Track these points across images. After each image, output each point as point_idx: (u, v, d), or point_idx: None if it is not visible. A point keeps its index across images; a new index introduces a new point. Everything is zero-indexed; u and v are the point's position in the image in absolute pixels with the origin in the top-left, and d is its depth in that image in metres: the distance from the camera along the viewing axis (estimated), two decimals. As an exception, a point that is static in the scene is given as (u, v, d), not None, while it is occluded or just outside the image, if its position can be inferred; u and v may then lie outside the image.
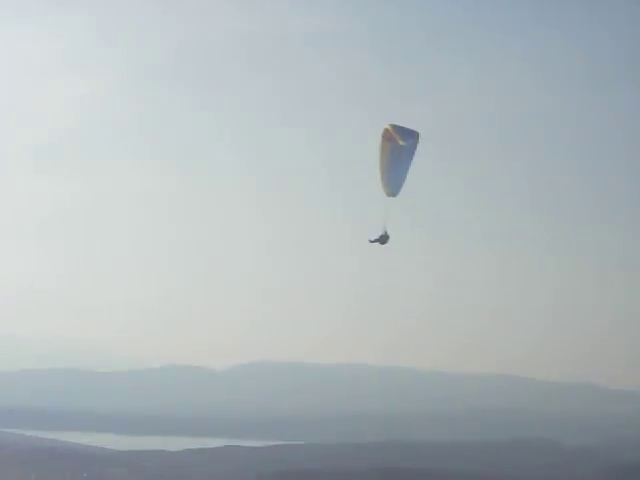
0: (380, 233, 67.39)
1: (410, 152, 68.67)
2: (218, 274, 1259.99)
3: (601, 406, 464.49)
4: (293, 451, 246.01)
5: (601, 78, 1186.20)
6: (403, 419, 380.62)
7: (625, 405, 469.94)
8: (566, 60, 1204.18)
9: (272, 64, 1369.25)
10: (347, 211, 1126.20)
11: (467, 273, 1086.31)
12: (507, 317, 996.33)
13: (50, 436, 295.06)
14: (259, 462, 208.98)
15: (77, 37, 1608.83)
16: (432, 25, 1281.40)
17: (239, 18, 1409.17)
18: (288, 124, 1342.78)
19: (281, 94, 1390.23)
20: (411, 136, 67.90)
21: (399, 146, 68.35)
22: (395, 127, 66.89)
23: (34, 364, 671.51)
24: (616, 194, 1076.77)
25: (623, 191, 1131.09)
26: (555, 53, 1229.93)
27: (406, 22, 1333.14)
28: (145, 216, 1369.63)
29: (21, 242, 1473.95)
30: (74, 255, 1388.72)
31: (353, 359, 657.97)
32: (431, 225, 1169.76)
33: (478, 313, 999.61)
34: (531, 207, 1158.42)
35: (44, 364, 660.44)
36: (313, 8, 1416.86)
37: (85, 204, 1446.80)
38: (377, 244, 71.06)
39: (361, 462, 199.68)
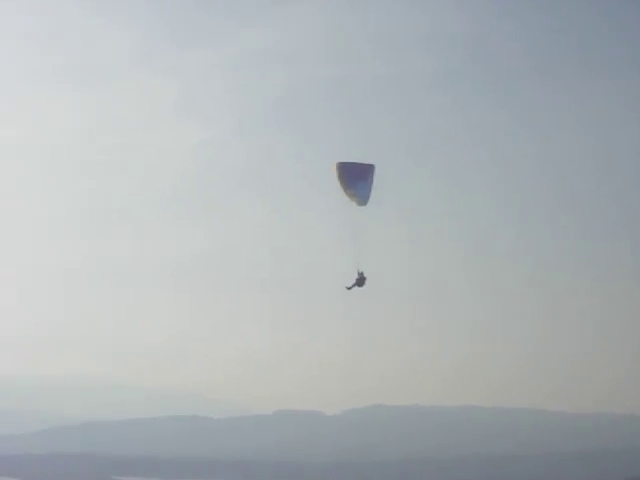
0: (355, 276, 66.05)
1: (365, 186, 66.87)
2: (327, 319, 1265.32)
3: None
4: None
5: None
6: (516, 460, 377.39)
7: None
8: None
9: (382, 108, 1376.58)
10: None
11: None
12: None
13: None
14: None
15: (188, 83, 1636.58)
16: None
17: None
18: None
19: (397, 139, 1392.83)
20: (363, 179, 66.53)
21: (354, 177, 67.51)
22: (342, 168, 64.61)
23: (146, 412, 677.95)
24: None
25: None
26: None
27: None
28: (259, 263, 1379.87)
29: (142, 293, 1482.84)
30: (183, 304, 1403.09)
31: (466, 401, 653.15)
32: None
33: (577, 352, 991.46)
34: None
35: (156, 412, 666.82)
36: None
37: (203, 251, 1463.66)
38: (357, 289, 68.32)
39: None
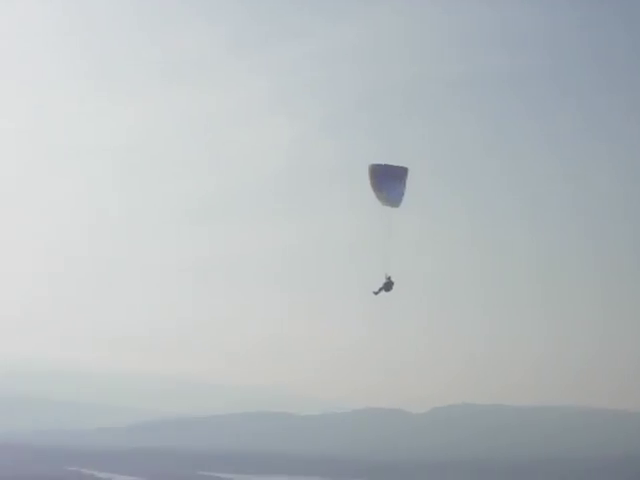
0: (384, 280, 64.01)
1: (398, 190, 63.67)
2: (418, 318, 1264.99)
3: None
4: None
5: None
6: (598, 461, 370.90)
7: None
8: None
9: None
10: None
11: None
12: None
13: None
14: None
15: (279, 79, 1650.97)
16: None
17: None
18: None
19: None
20: (394, 178, 63.34)
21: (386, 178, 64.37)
22: (374, 170, 63.38)
23: (231, 408, 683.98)
24: None
25: None
26: None
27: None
28: (349, 259, 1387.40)
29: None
30: (275, 302, 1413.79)
31: (552, 401, 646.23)
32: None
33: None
34: None
35: (249, 408, 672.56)
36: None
37: (294, 248, 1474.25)
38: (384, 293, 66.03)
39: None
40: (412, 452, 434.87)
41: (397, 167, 64.48)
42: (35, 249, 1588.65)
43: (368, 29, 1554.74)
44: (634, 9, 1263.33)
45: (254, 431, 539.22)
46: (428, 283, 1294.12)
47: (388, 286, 63.15)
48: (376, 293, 63.18)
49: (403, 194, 63.97)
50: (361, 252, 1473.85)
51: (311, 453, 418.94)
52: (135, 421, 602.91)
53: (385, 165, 64.36)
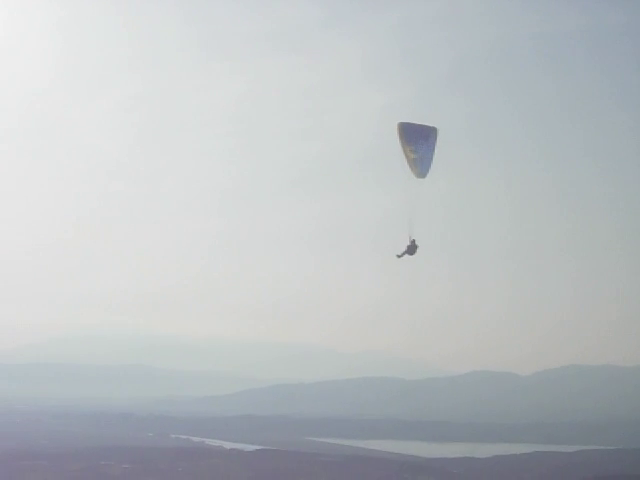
0: (407, 244, 61.12)
1: (427, 147, 63.15)
2: (522, 282, 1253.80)
3: None
4: (605, 455, 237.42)
5: None
6: None
7: None
8: None
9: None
10: None
11: None
12: None
13: (362, 445, 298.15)
14: (573, 467, 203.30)
15: (374, 48, 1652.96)
16: None
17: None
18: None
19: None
20: (424, 139, 62.83)
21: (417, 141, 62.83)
22: (403, 128, 63.17)
23: (349, 374, 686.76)
24: None
25: None
26: None
27: None
28: (441, 227, 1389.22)
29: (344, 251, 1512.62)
30: (376, 268, 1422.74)
31: None
32: None
33: None
34: None
35: (357, 374, 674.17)
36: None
37: (390, 215, 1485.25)
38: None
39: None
40: (519, 415, 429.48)
41: (427, 127, 63.98)
42: (166, 229, 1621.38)
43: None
44: None
45: (361, 396, 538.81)
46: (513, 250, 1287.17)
47: (412, 249, 62.17)
48: (399, 256, 62.45)
49: (431, 159, 63.64)
50: (450, 216, 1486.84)
51: (419, 417, 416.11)
52: (245, 388, 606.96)
53: (415, 124, 63.21)
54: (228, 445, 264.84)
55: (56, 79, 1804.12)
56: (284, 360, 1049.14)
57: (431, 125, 64.63)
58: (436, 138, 64.16)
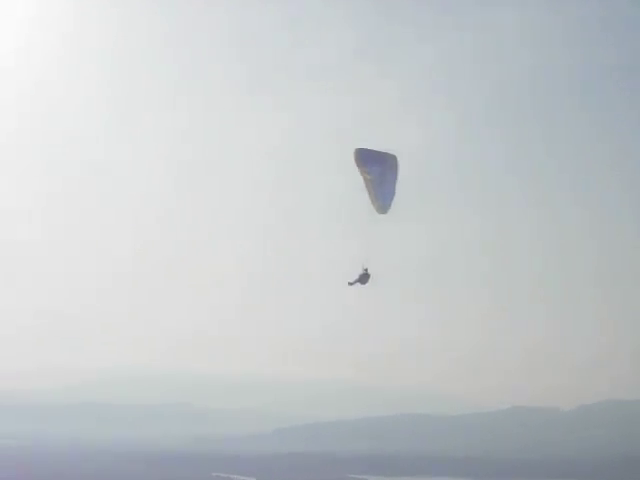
0: (360, 272, 60.94)
1: (388, 175, 64.14)
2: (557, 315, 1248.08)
3: None
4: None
5: None
6: None
7: None
8: None
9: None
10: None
11: None
12: None
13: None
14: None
15: (411, 81, 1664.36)
16: None
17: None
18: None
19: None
20: (379, 163, 63.51)
21: (377, 169, 63.63)
22: (360, 153, 63.47)
23: (386, 411, 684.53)
24: None
25: None
26: None
27: None
28: (479, 265, 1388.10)
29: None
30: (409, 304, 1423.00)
31: None
32: None
33: None
34: None
35: (394, 410, 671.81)
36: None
37: (428, 251, 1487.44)
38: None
39: None
40: (563, 450, 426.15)
41: (383, 153, 65.10)
42: (206, 268, 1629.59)
43: (491, 32, 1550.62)
44: None
45: (399, 433, 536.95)
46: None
47: (364, 278, 62.90)
48: (351, 284, 62.95)
49: (393, 192, 66.13)
50: (484, 257, 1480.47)
51: (454, 453, 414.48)
52: (284, 425, 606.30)
53: (372, 150, 64.26)
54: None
55: (98, 114, 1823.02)
56: (322, 397, 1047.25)
57: (391, 153, 65.42)
58: (397, 168, 65.19)
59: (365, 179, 64.83)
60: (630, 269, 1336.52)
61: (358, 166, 64.12)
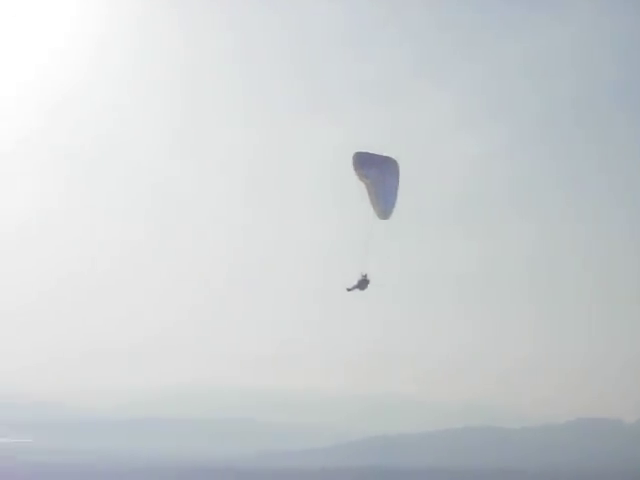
0: (358, 278, 62.17)
1: (388, 180, 62.21)
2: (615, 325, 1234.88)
3: None
4: None
5: None
6: None
7: None
8: None
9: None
10: None
11: None
12: None
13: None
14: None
15: (465, 96, 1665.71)
16: None
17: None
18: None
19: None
20: (377, 167, 61.67)
21: (376, 172, 61.78)
22: (359, 157, 61.84)
23: (445, 424, 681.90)
24: None
25: None
26: None
27: None
28: (527, 278, 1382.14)
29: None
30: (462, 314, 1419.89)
31: None
32: None
33: None
34: None
35: (453, 423, 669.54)
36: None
37: (478, 265, 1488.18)
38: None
39: None
40: (628, 464, 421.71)
41: (382, 156, 63.63)
42: (267, 285, 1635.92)
43: (545, 47, 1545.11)
44: None
45: (460, 446, 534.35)
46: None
47: (362, 284, 62.07)
48: (349, 290, 62.11)
49: (394, 196, 64.50)
50: (532, 268, 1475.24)
51: (519, 466, 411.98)
52: (344, 440, 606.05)
53: (370, 153, 62.89)
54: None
55: (164, 129, 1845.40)
56: (382, 411, 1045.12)
57: (392, 157, 64.10)
58: (397, 173, 63.62)
59: (364, 183, 64.15)
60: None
61: (355, 169, 63.32)
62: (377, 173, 62.82)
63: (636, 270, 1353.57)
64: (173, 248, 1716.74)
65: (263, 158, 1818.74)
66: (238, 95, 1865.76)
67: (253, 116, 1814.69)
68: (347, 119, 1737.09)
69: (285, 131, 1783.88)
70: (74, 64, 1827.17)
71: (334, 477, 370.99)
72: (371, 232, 63.86)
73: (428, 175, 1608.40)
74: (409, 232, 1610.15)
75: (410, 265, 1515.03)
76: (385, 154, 64.14)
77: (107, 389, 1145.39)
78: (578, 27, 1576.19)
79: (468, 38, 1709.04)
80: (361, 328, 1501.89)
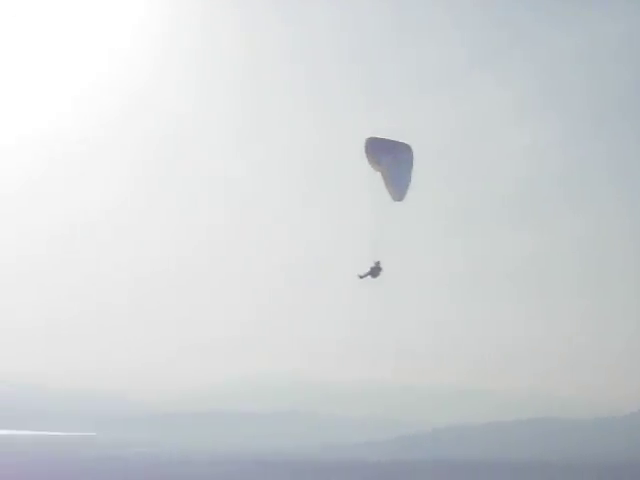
0: (371, 265, 61.16)
1: (402, 164, 61.20)
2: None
3: None
4: None
5: None
6: None
7: None
8: None
9: None
10: None
11: None
12: None
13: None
14: None
15: (522, 88, 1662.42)
16: None
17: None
18: None
19: None
20: (391, 153, 60.94)
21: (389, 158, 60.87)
22: (371, 143, 61.59)
23: (509, 415, 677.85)
24: None
25: None
26: None
27: None
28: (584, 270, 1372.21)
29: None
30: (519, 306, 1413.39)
31: None
32: None
33: None
34: None
35: (518, 414, 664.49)
36: None
37: (533, 257, 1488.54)
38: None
39: None
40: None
41: (395, 142, 63.09)
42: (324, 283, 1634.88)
43: (601, 41, 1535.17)
44: None
45: (528, 438, 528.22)
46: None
47: (375, 272, 61.09)
48: (362, 277, 61.30)
49: (408, 179, 63.07)
50: (582, 261, 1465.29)
51: (584, 459, 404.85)
52: (406, 432, 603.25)
53: (383, 139, 62.82)
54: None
55: (225, 134, 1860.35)
56: (444, 402, 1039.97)
57: (405, 142, 62.96)
58: (411, 158, 62.57)
59: (376, 169, 63.21)
60: None
61: (367, 155, 62.87)
62: (391, 159, 62.04)
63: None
64: (240, 247, 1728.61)
65: (323, 156, 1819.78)
66: (299, 94, 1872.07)
67: (312, 114, 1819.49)
68: (403, 114, 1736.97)
69: (343, 128, 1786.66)
70: (141, 65, 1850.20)
71: (400, 470, 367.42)
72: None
73: (483, 167, 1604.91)
74: (463, 225, 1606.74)
75: (465, 257, 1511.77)
76: (405, 141, 62.93)
77: (171, 383, 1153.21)
78: (631, 24, 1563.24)
79: (523, 34, 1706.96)
80: (421, 319, 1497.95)
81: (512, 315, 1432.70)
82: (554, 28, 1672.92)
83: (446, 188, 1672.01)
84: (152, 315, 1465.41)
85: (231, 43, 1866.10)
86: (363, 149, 63.24)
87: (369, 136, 62.88)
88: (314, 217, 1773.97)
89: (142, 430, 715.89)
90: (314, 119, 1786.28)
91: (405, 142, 63.10)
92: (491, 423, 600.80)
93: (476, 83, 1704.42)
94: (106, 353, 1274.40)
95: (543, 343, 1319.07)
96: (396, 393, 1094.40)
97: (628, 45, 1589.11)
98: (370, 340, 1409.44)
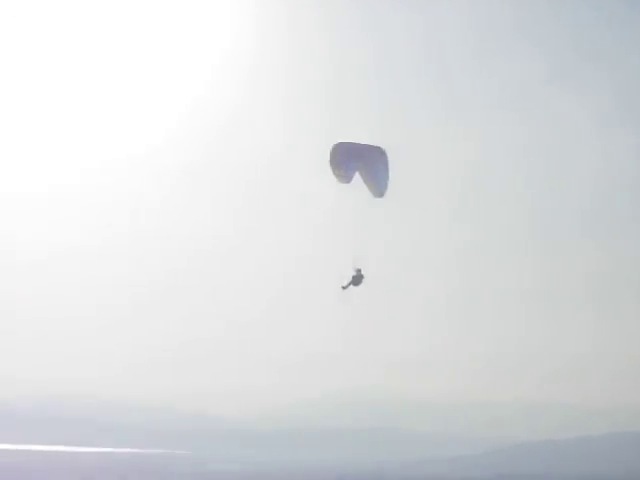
0: (352, 274, 58.14)
1: (377, 165, 58.51)
2: None
3: None
4: None
5: None
6: None
7: None
8: None
9: None
10: None
11: None
12: None
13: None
14: None
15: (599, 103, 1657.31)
16: None
17: None
18: None
19: None
20: (360, 159, 57.71)
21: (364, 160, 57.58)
22: (336, 152, 56.91)
23: (592, 430, 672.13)
24: None
25: None
26: None
27: None
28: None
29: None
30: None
31: None
32: None
33: None
34: None
35: (601, 429, 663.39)
36: None
37: (600, 265, 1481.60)
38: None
39: None
40: None
41: (372, 147, 60.29)
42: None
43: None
44: None
45: (612, 453, 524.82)
46: None
47: (357, 280, 58.38)
48: (344, 288, 58.23)
49: (385, 178, 61.43)
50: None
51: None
52: (492, 448, 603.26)
53: (355, 144, 58.85)
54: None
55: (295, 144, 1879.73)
56: (525, 417, 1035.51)
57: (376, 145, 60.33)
58: (386, 159, 60.39)
59: (341, 180, 58.68)
60: None
61: (331, 164, 58.18)
62: (361, 165, 59.24)
63: None
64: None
65: (397, 166, 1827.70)
66: (374, 105, 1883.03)
67: (389, 125, 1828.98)
68: (478, 127, 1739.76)
69: (420, 139, 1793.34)
70: (234, 80, 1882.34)
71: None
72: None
73: (558, 181, 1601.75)
74: (540, 239, 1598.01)
75: (538, 268, 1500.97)
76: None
77: (262, 401, 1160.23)
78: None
79: (601, 50, 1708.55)
80: (499, 335, 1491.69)
81: (574, 328, 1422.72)
82: (633, 45, 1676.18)
83: (519, 205, 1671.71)
84: (245, 332, 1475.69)
85: (314, 53, 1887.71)
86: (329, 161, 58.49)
87: (335, 143, 57.78)
88: (389, 221, 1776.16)
89: (237, 448, 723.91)
90: (392, 130, 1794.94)
91: (377, 145, 60.42)
92: (570, 439, 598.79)
93: (554, 98, 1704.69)
94: (198, 373, 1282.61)
95: (617, 357, 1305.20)
96: (477, 408, 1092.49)
97: None
98: (445, 357, 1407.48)
